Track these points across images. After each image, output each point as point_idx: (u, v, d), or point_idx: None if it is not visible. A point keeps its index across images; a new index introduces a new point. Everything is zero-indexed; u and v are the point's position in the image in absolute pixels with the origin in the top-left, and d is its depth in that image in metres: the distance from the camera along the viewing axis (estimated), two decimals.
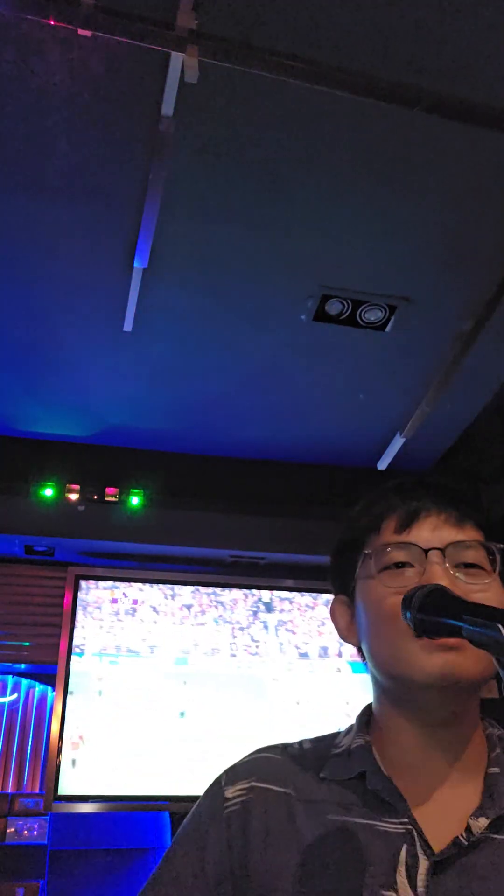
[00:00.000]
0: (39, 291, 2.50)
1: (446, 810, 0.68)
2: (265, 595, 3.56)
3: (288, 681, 3.38)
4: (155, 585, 3.48)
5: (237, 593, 3.54)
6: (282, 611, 3.54)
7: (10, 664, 3.31)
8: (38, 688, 3.38)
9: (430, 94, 1.79)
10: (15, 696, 3.35)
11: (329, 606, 0.83)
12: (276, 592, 3.58)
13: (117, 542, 3.37)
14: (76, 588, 3.39)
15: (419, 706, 0.71)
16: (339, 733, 0.80)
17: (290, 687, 3.37)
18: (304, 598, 3.59)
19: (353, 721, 0.81)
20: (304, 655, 3.47)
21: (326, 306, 2.53)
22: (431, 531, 0.74)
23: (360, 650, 0.80)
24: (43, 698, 3.37)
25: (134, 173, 2.01)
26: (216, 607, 3.49)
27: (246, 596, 3.54)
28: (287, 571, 3.58)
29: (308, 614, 3.56)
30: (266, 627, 3.50)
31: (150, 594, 3.47)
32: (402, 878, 0.64)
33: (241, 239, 2.28)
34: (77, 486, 3.30)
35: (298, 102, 1.83)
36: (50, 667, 3.24)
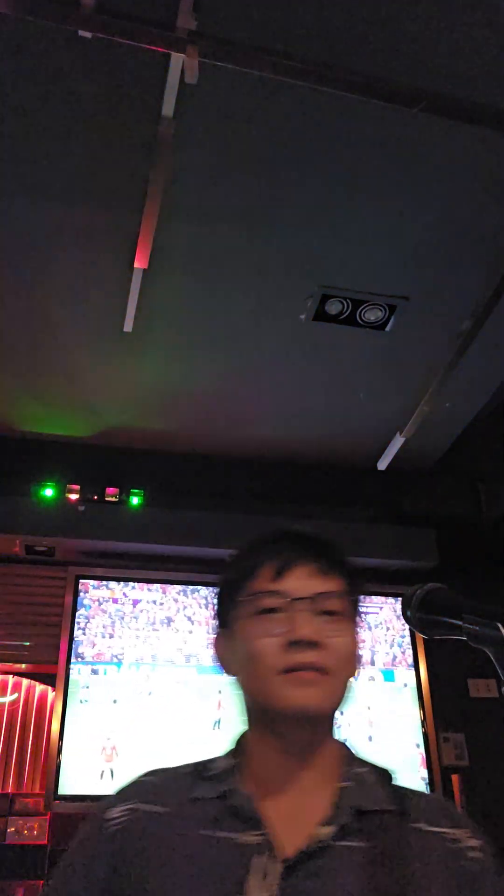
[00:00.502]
0: (40, 291, 2.50)
1: (300, 822, 0.77)
2: None
3: None
4: (185, 592, 3.48)
5: None
6: None
7: (10, 664, 3.31)
8: (38, 688, 3.38)
9: (430, 94, 1.80)
10: (15, 696, 3.36)
11: (214, 640, 0.92)
12: None
13: (117, 542, 3.37)
14: (76, 588, 3.40)
15: (280, 732, 0.81)
16: (217, 758, 0.88)
17: None
18: None
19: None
20: None
21: (326, 306, 2.53)
22: (300, 581, 0.83)
23: (237, 679, 0.89)
24: (43, 698, 3.37)
25: (134, 174, 2.01)
26: None
27: None
28: None
29: None
30: None
31: (186, 602, 3.48)
32: (256, 880, 0.73)
33: (241, 239, 2.28)
34: (77, 487, 3.31)
35: (298, 102, 1.84)
36: (50, 667, 3.24)
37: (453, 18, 1.66)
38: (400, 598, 0.75)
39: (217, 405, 3.20)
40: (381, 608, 3.63)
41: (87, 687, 3.22)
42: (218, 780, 0.82)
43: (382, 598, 3.64)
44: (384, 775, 0.86)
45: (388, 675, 3.49)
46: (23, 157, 1.98)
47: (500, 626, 0.60)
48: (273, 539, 0.89)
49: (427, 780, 3.24)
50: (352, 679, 0.84)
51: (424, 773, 3.27)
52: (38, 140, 1.93)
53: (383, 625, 3.60)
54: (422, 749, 3.34)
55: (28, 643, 3.31)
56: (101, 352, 2.81)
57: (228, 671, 0.89)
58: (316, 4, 1.64)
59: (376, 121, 1.88)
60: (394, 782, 0.85)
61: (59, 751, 3.03)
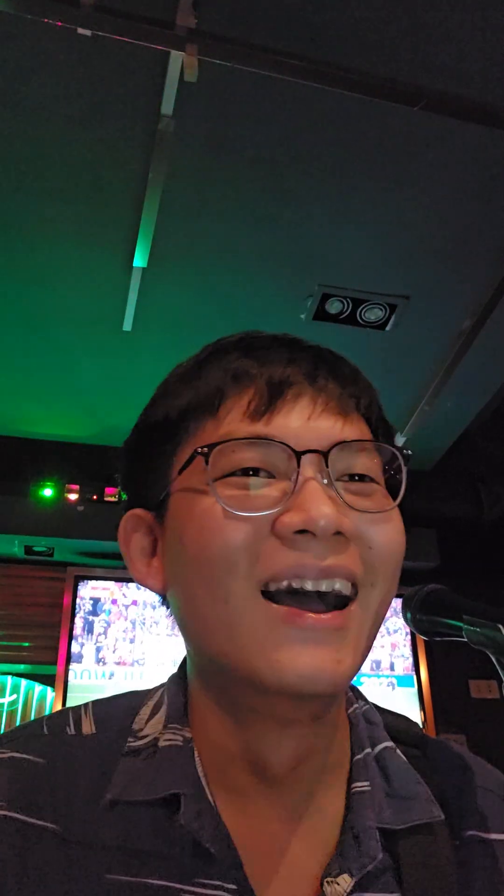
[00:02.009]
0: (39, 291, 2.50)
1: (289, 861, 0.45)
2: None
3: None
4: None
5: None
6: None
7: (9, 665, 3.31)
8: (38, 688, 3.38)
9: (431, 93, 1.79)
10: (14, 696, 3.35)
11: (122, 525, 0.55)
12: None
13: (117, 542, 3.36)
14: (76, 588, 3.39)
15: (256, 708, 0.45)
16: (133, 705, 0.50)
17: None
18: None
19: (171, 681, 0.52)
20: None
21: (326, 305, 2.52)
22: (305, 421, 0.47)
23: (162, 599, 0.52)
24: (42, 699, 3.37)
25: (133, 172, 2.01)
26: None
27: None
28: None
29: None
30: None
31: None
32: None
33: (241, 238, 2.28)
34: (76, 487, 3.30)
35: (298, 101, 1.83)
36: (50, 667, 3.23)
37: (454, 17, 1.65)
38: (400, 599, 0.74)
39: None
40: None
41: (88, 686, 3.21)
42: (156, 764, 0.46)
43: None
44: (415, 742, 0.54)
45: (388, 676, 3.49)
46: (22, 155, 1.98)
47: (501, 627, 0.59)
48: (246, 347, 0.51)
49: None
50: (387, 609, 0.48)
51: None
52: (37, 138, 1.93)
53: (383, 625, 3.60)
54: None
55: (27, 644, 3.31)
56: (101, 351, 2.81)
57: (151, 584, 0.51)
58: (315, 2, 1.63)
59: (376, 119, 1.88)
60: (425, 744, 0.54)
61: None
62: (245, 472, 0.45)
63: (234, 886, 0.42)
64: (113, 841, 0.43)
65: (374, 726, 0.54)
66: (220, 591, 0.43)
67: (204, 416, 0.48)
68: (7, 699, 3.32)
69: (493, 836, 0.48)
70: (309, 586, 0.43)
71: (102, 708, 0.52)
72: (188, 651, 0.51)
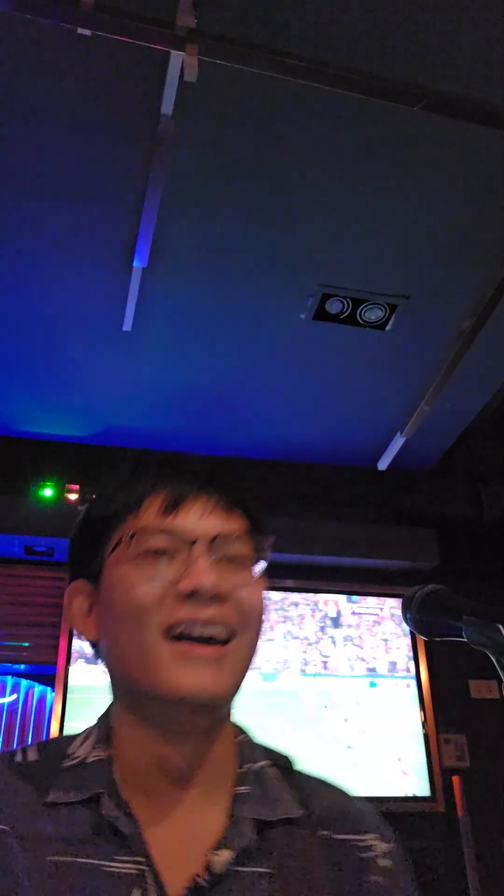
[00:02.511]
0: (39, 291, 2.50)
1: (189, 842, 0.60)
2: (331, 610, 3.54)
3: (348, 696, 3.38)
4: None
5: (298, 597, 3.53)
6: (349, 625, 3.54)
7: (9, 664, 3.31)
8: (38, 688, 3.38)
9: (430, 93, 1.79)
10: (14, 696, 3.35)
11: (68, 592, 0.72)
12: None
13: None
14: None
15: (163, 721, 0.62)
16: (73, 738, 0.68)
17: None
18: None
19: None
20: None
21: (326, 305, 2.52)
22: (198, 518, 0.66)
23: (94, 647, 0.70)
24: (42, 698, 3.37)
25: (133, 172, 2.01)
26: (284, 622, 3.48)
27: (314, 611, 3.52)
28: (286, 571, 3.58)
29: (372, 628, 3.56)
30: (334, 642, 3.50)
31: None
32: None
33: (241, 238, 2.28)
34: (77, 487, 3.30)
35: (298, 101, 1.83)
36: (50, 667, 3.23)
37: (454, 17, 1.65)
38: (400, 599, 0.74)
39: (217, 405, 3.20)
40: (381, 608, 3.63)
41: (88, 686, 3.21)
42: (83, 776, 0.62)
43: (383, 599, 3.63)
44: (285, 766, 0.71)
45: (388, 676, 3.49)
46: (22, 155, 1.98)
47: (500, 627, 0.59)
48: (161, 465, 0.71)
49: (428, 782, 3.24)
50: (256, 648, 0.66)
51: (425, 774, 3.27)
52: (38, 138, 1.93)
53: (383, 625, 3.60)
54: (423, 750, 3.33)
55: (27, 644, 3.31)
56: (101, 351, 2.81)
57: (88, 635, 0.69)
58: (315, 3, 1.63)
59: (376, 119, 1.88)
60: (294, 768, 0.71)
61: None
62: (156, 552, 0.64)
63: (142, 859, 0.58)
64: (53, 833, 0.59)
65: (254, 750, 0.70)
66: (136, 637, 0.62)
67: (129, 513, 0.67)
68: (7, 699, 3.32)
69: (338, 836, 0.67)
70: (196, 632, 0.61)
71: (50, 742, 0.69)
72: (112, 686, 0.68)
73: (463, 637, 0.64)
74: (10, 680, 3.36)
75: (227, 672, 0.62)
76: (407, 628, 3.38)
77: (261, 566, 0.68)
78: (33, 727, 3.31)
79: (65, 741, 0.67)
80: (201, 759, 0.64)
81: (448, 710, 3.44)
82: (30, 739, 3.29)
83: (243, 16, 1.66)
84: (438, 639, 0.69)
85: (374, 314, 2.56)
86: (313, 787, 0.70)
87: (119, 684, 0.67)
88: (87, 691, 3.20)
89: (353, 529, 3.42)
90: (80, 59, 1.73)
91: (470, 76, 1.78)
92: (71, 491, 3.29)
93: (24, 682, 3.38)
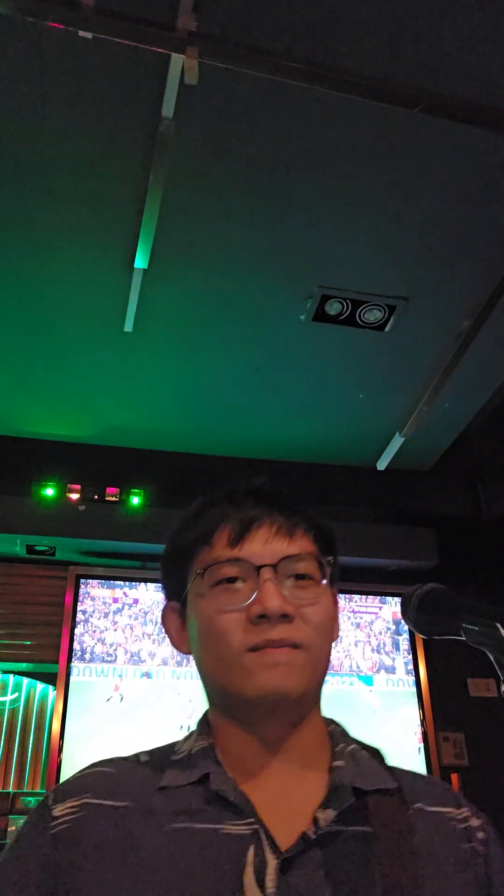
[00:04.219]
0: (40, 292, 2.51)
1: (293, 807, 0.67)
2: None
3: None
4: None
5: None
6: None
7: (11, 663, 3.31)
8: (40, 687, 3.39)
9: (431, 95, 1.80)
10: (16, 695, 3.36)
11: (164, 611, 0.82)
12: None
13: (118, 541, 3.37)
14: (77, 587, 3.40)
15: (252, 721, 0.71)
16: (176, 742, 0.77)
17: None
18: None
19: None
20: None
21: (326, 306, 2.53)
22: (263, 545, 0.73)
23: (194, 658, 0.79)
24: (44, 698, 3.38)
25: (134, 174, 2.02)
26: None
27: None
28: None
29: None
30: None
31: None
32: (249, 879, 0.61)
33: (241, 239, 2.28)
34: (78, 486, 3.31)
35: (298, 103, 1.84)
36: (51, 666, 3.24)
37: (453, 19, 1.66)
38: (399, 598, 0.75)
39: (217, 405, 3.20)
40: (380, 608, 3.64)
41: (88, 686, 3.22)
42: (191, 763, 0.70)
43: (382, 598, 3.64)
44: (376, 753, 0.77)
45: (387, 675, 3.50)
46: (23, 156, 1.99)
47: (499, 626, 0.60)
48: (227, 498, 0.78)
49: None
50: (331, 649, 0.74)
51: (424, 772, 3.28)
52: (39, 140, 1.94)
53: (383, 624, 3.61)
54: (421, 749, 3.34)
55: (29, 643, 3.32)
56: (103, 352, 2.82)
57: (182, 650, 0.79)
58: (315, 5, 1.64)
59: (376, 121, 1.89)
60: (385, 761, 0.77)
61: (60, 750, 3.04)
62: (229, 580, 0.72)
63: (252, 821, 0.65)
64: (168, 809, 0.66)
65: (347, 737, 0.78)
66: (218, 654, 0.71)
67: (203, 545, 0.75)
68: (9, 697, 3.33)
69: (431, 808, 0.72)
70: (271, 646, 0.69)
71: (156, 747, 0.77)
72: (206, 691, 0.77)
73: (462, 636, 0.65)
74: (11, 678, 3.37)
75: (303, 671, 0.69)
76: (406, 627, 3.40)
77: (329, 579, 0.75)
78: (34, 726, 3.32)
79: (170, 744, 0.77)
80: (293, 749, 0.71)
81: (447, 709, 3.45)
82: (31, 738, 3.30)
83: (243, 18, 1.66)
84: (437, 638, 0.70)
85: (373, 315, 2.57)
86: (404, 772, 0.77)
87: (211, 690, 0.75)
88: (89, 689, 3.21)
89: (353, 529, 3.43)
90: (82, 61, 1.74)
91: (470, 78, 1.79)
92: (72, 491, 3.30)
93: (25, 681, 3.39)
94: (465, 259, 2.35)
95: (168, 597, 0.81)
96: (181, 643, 0.79)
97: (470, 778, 3.28)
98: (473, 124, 1.88)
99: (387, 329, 2.63)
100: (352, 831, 0.66)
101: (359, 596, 3.63)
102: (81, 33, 1.65)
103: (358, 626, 3.56)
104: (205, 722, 0.76)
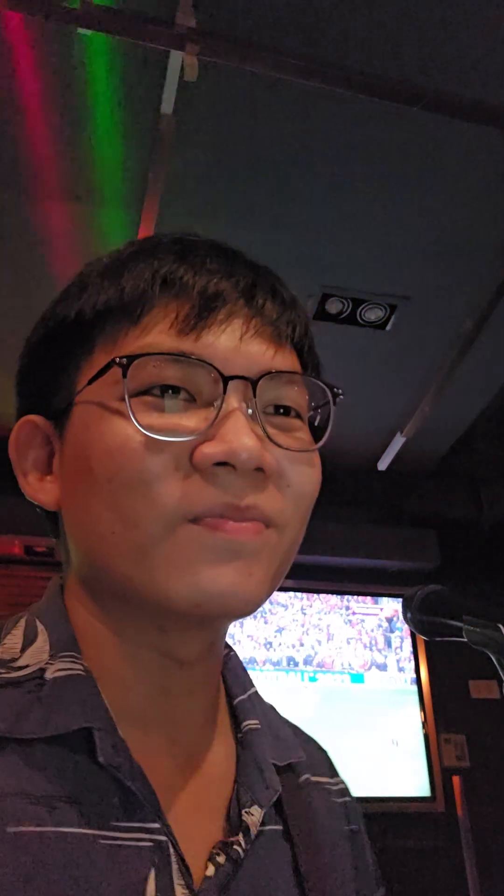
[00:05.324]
0: (40, 291, 2.50)
1: (199, 791, 0.43)
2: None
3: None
4: None
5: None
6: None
7: None
8: None
9: (431, 93, 1.79)
10: None
11: (15, 432, 0.48)
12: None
13: None
14: None
15: (163, 640, 0.43)
16: (25, 632, 0.46)
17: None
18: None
19: None
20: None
21: (326, 305, 2.52)
22: (237, 342, 0.43)
23: (49, 516, 0.50)
24: None
25: (133, 172, 2.01)
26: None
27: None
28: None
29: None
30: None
31: None
32: None
33: (241, 238, 2.25)
34: None
35: (298, 101, 1.83)
36: None
37: (454, 16, 1.65)
38: (400, 600, 0.74)
39: None
40: (381, 609, 3.63)
41: None
42: (51, 698, 0.40)
43: (383, 599, 3.63)
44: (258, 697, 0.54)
45: (388, 676, 3.49)
46: (22, 155, 1.98)
47: (500, 627, 0.59)
48: (173, 249, 0.47)
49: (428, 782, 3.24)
50: (299, 542, 0.47)
51: (425, 774, 3.27)
52: (37, 138, 1.93)
53: (383, 626, 3.59)
54: (423, 750, 3.33)
55: None
56: None
57: (43, 499, 0.47)
58: (316, 2, 1.63)
59: (376, 119, 1.88)
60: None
61: None
62: (163, 389, 0.41)
63: (157, 825, 0.38)
64: (9, 787, 0.36)
65: (244, 671, 0.54)
66: (132, 516, 0.40)
67: (124, 321, 0.43)
68: None
69: (315, 778, 0.53)
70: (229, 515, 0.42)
71: None
72: (77, 577, 0.48)
73: (463, 637, 0.64)
74: None
75: (265, 568, 0.43)
76: (407, 629, 3.38)
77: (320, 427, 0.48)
78: None
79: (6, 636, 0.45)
80: (202, 683, 0.47)
81: (448, 710, 3.44)
82: None
83: (243, 15, 1.66)
84: (438, 639, 0.69)
85: (374, 314, 2.56)
86: (284, 721, 0.56)
87: (94, 572, 0.45)
88: None
89: (354, 530, 3.42)
90: (80, 58, 1.73)
91: (470, 76, 1.78)
92: None
93: None
94: (467, 258, 2.34)
95: (27, 406, 0.50)
96: (42, 489, 0.47)
97: (471, 780, 3.27)
98: (475, 122, 1.87)
99: (388, 328, 2.62)
100: (270, 832, 0.45)
101: (359, 597, 3.62)
102: (80, 29, 1.64)
103: (358, 626, 3.55)
104: (61, 620, 0.46)
